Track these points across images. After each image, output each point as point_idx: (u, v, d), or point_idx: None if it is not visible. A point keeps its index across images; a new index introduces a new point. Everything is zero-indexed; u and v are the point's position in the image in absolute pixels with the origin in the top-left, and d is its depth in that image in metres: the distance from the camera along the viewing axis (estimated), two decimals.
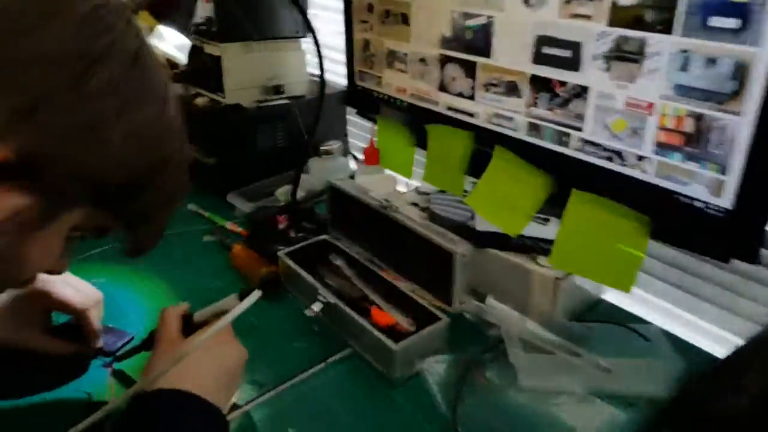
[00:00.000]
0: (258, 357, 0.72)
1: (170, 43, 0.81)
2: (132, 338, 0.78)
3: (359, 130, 1.35)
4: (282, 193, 1.14)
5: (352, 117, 1.31)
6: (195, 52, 1.18)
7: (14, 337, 0.68)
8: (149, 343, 0.65)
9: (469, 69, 0.88)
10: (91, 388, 0.71)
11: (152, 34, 0.87)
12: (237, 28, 1.09)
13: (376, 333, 0.69)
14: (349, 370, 0.72)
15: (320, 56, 0.96)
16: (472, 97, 0.89)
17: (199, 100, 1.18)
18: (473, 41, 0.85)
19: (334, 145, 1.21)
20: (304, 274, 0.81)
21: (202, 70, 1.15)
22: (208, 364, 0.57)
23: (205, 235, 1.05)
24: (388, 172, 1.10)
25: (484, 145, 0.87)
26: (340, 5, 1.09)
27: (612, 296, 0.87)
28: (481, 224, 0.84)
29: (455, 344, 0.74)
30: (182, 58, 0.84)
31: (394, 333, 0.73)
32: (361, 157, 1.13)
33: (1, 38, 0.39)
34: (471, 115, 0.90)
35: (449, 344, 0.74)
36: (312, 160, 1.21)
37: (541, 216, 0.88)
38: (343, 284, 0.82)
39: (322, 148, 1.20)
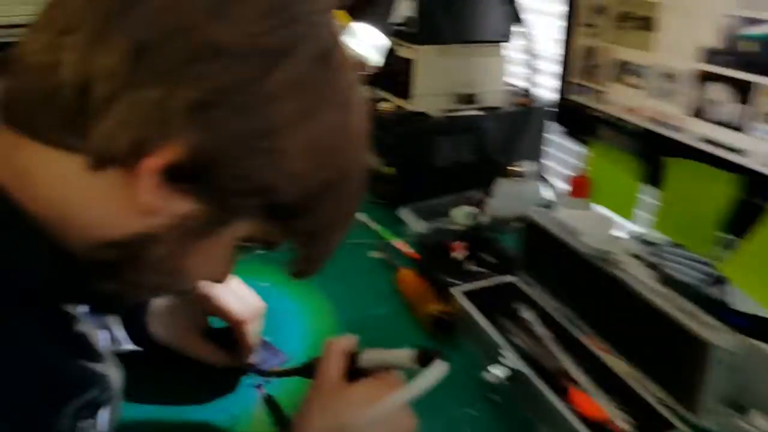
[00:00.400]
0: (421, 415, 0.57)
1: (365, 41, 0.70)
2: (287, 359, 0.68)
3: (560, 153, 1.16)
4: (459, 215, 0.99)
5: (552, 137, 1.13)
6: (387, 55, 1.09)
7: (171, 340, 0.65)
8: (308, 371, 0.57)
9: (742, 91, 0.66)
10: (239, 410, 0.63)
11: (346, 31, 0.78)
12: (437, 29, 0.98)
13: (576, 424, 0.50)
14: None
15: (533, 62, 0.80)
16: (741, 129, 0.66)
17: (385, 105, 1.09)
18: (750, 56, 0.64)
19: (527, 166, 1.04)
20: (484, 323, 0.65)
21: (392, 73, 1.05)
22: None
23: (371, 251, 0.93)
24: (597, 209, 0.90)
25: (756, 195, 0.64)
26: (552, 7, 0.92)
27: None
28: (738, 302, 0.62)
29: None
30: (377, 58, 0.73)
31: (603, 430, 0.54)
32: (562, 185, 0.94)
33: (185, 24, 0.34)
34: (738, 152, 0.67)
35: None
36: (500, 181, 1.05)
37: None
38: (533, 347, 0.65)
39: (511, 168, 1.04)
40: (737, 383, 0.53)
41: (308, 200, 0.41)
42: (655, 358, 0.57)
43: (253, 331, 0.67)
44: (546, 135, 1.14)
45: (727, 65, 0.67)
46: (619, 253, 0.65)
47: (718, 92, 0.69)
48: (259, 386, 0.65)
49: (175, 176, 0.36)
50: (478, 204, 0.87)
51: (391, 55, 1.07)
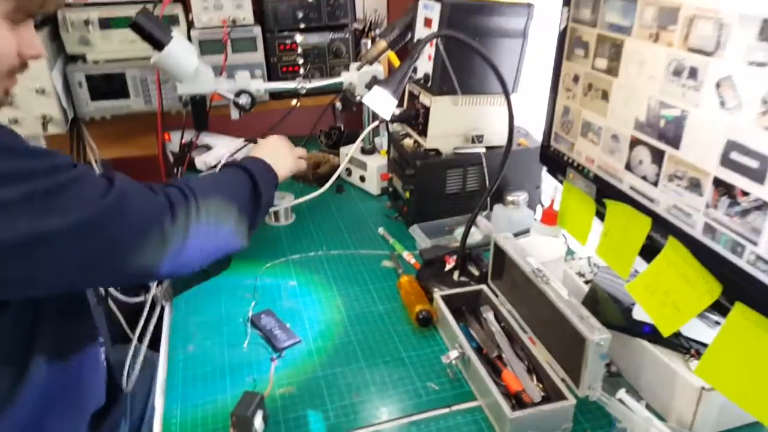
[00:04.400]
0: (394, 387, 0.84)
1: (380, 101, 0.95)
2: (299, 341, 0.95)
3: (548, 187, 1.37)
4: (461, 234, 1.23)
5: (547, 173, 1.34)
6: (411, 98, 1.34)
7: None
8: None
9: (657, 156, 0.86)
10: (257, 375, 0.89)
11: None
12: (449, 84, 1.21)
13: (498, 396, 0.74)
14: (468, 422, 0.79)
15: (511, 118, 1.03)
16: (655, 184, 0.87)
17: (407, 141, 1.34)
18: (665, 130, 0.84)
19: (520, 196, 1.26)
20: (450, 319, 0.90)
21: (415, 114, 1.30)
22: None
23: (384, 260, 1.19)
24: (563, 235, 1.12)
25: (659, 233, 0.85)
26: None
27: None
28: (640, 312, 0.83)
29: (579, 426, 0.76)
30: (387, 115, 0.98)
31: (520, 400, 0.77)
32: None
33: None
34: (651, 200, 0.88)
35: (575, 424, 0.76)
36: (497, 207, 1.27)
37: (714, 319, 0.84)
38: (484, 338, 0.89)
39: (508, 197, 1.26)
40: (624, 365, 0.75)
41: None
42: (562, 348, 0.80)
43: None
44: (542, 171, 1.36)
45: (650, 135, 0.88)
46: (555, 272, 0.88)
47: (643, 154, 0.90)
48: (273, 359, 0.92)
49: None
50: (468, 227, 1.09)
51: (416, 99, 1.32)
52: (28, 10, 0.68)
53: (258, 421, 0.75)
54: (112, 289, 1.18)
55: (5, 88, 0.72)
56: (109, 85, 1.61)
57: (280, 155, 1.15)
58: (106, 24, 1.55)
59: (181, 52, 1.20)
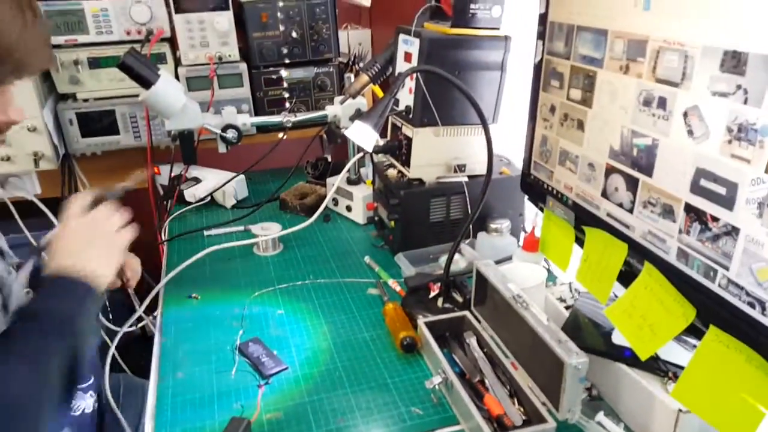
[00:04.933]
0: (378, 412, 0.85)
1: (361, 134, 0.98)
2: (286, 368, 0.96)
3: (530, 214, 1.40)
4: (445, 261, 1.25)
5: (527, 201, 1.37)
6: (394, 130, 1.37)
7: None
8: None
9: (632, 183, 0.89)
10: (244, 401, 0.90)
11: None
12: (429, 116, 1.24)
13: (479, 420, 0.75)
14: None
15: (490, 148, 1.06)
16: (631, 211, 0.90)
17: (390, 172, 1.36)
18: (638, 158, 0.87)
19: (503, 223, 1.28)
20: (434, 345, 0.91)
21: (398, 145, 1.33)
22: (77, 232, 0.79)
23: (370, 288, 1.20)
24: (545, 261, 1.14)
25: (636, 259, 0.88)
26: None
27: None
28: (619, 337, 0.85)
29: None
30: (369, 147, 1.01)
31: (502, 424, 0.78)
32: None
33: None
34: (627, 227, 0.91)
35: None
36: (480, 235, 1.30)
37: (692, 342, 0.85)
38: (467, 364, 0.90)
39: (491, 225, 1.28)
40: (603, 388, 0.76)
41: None
42: (542, 372, 0.81)
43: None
44: (525, 199, 1.38)
45: (624, 163, 0.91)
46: (536, 298, 0.90)
47: (618, 182, 0.93)
48: (260, 385, 0.93)
49: None
50: (451, 256, 1.11)
51: (399, 131, 1.35)
52: None
53: None
54: (102, 318, 1.19)
55: None
56: (99, 122, 1.64)
57: (95, 254, 0.78)
58: (95, 63, 1.58)
59: (168, 89, 1.23)
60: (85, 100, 1.63)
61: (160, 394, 0.92)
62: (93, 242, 0.79)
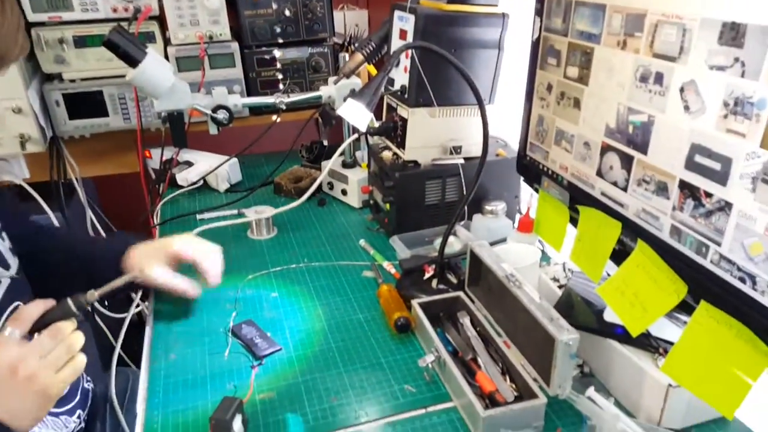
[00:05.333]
0: (372, 390, 0.84)
1: (354, 113, 0.97)
2: (280, 349, 0.95)
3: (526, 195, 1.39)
4: (439, 243, 1.24)
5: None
6: (389, 110, 1.36)
7: (143, 269, 0.97)
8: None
9: (627, 161, 0.89)
10: (237, 382, 0.90)
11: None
12: (425, 96, 1.23)
13: (471, 396, 0.75)
14: (443, 422, 0.80)
15: (486, 128, 1.05)
16: (625, 189, 0.89)
17: (386, 154, 1.35)
18: (634, 136, 0.87)
19: (498, 205, 1.28)
20: (427, 324, 0.91)
21: (393, 127, 1.32)
22: None
23: (365, 270, 1.20)
24: (540, 242, 1.13)
25: (629, 237, 0.87)
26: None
27: (753, 418, 0.80)
28: (611, 314, 0.85)
29: (552, 423, 0.77)
30: (363, 126, 1.00)
31: (494, 400, 0.78)
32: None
33: None
34: (621, 205, 0.90)
35: (548, 422, 0.77)
36: (476, 216, 1.29)
37: (683, 319, 0.85)
38: (460, 342, 0.89)
39: (487, 207, 1.28)
40: (595, 364, 0.76)
41: None
42: (534, 350, 0.81)
43: (208, 265, 1.03)
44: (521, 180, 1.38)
45: (619, 141, 0.90)
46: (530, 277, 0.89)
47: (613, 160, 0.92)
48: (253, 366, 0.92)
49: None
50: (446, 237, 1.11)
51: (394, 112, 1.34)
52: None
53: (237, 425, 0.75)
54: (98, 306, 1.18)
55: None
56: (86, 104, 1.61)
57: (14, 405, 0.67)
58: (81, 42, 1.55)
59: (156, 68, 1.21)
60: (72, 81, 1.60)
61: (152, 376, 0.91)
62: (13, 390, 0.65)
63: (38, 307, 0.73)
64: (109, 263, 1.00)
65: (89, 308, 0.74)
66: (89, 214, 1.84)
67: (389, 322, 0.99)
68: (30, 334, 0.71)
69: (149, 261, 0.99)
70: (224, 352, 0.96)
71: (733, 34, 0.65)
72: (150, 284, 1.00)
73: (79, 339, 0.73)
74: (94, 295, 0.74)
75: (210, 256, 1.05)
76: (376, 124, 1.38)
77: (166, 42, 1.64)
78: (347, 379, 0.89)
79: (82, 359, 0.73)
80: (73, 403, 0.98)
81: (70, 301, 0.73)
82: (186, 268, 1.05)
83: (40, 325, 0.72)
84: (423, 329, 0.93)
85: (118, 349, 0.97)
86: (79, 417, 0.98)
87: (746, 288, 0.67)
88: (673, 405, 0.75)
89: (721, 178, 0.70)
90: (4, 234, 0.93)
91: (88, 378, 1.07)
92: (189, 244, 1.04)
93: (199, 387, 0.89)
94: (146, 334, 1.03)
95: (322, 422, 0.81)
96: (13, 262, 0.93)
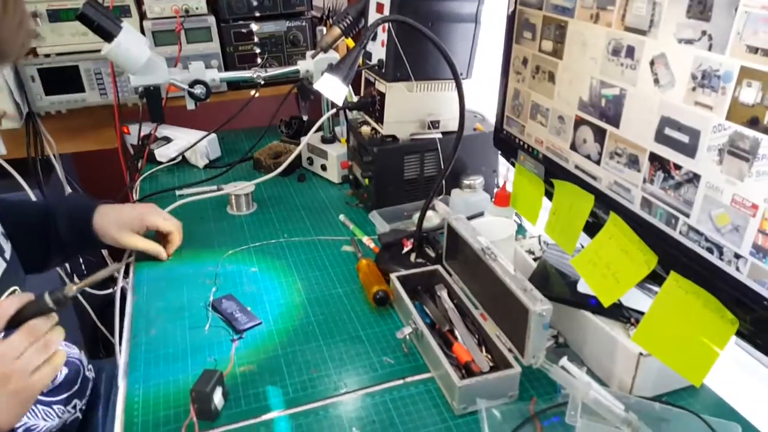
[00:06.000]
0: (351, 362, 0.86)
1: (331, 88, 0.97)
2: (260, 323, 0.96)
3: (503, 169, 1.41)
4: (417, 218, 1.25)
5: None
6: (368, 85, 1.35)
7: (117, 237, 1.07)
8: None
9: (600, 135, 0.90)
10: (218, 356, 0.91)
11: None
12: (402, 71, 1.23)
13: (447, 366, 0.77)
14: (420, 392, 0.82)
15: (462, 103, 1.05)
16: (598, 162, 0.91)
17: (364, 129, 1.35)
18: (606, 109, 0.88)
19: (476, 180, 1.28)
20: (405, 298, 0.92)
21: (371, 101, 1.32)
22: None
23: (344, 245, 1.21)
24: (516, 215, 1.15)
25: (602, 210, 0.89)
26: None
27: (720, 386, 0.83)
28: (584, 285, 0.87)
29: (527, 393, 0.80)
30: (340, 100, 1.00)
31: (470, 370, 0.80)
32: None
33: None
34: (594, 178, 0.92)
35: (523, 391, 0.80)
36: (454, 191, 1.30)
37: (655, 290, 0.87)
38: (437, 315, 0.91)
39: (465, 181, 1.28)
40: (569, 335, 0.78)
41: None
42: (509, 321, 0.83)
43: (176, 238, 1.13)
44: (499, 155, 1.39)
45: (592, 114, 0.92)
46: (506, 250, 0.91)
47: (587, 134, 0.93)
48: (233, 340, 0.93)
49: None
50: (423, 211, 1.12)
51: (372, 86, 1.33)
52: None
53: (218, 397, 0.76)
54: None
55: None
56: (62, 79, 1.59)
57: None
58: (55, 16, 1.52)
59: (131, 42, 1.19)
60: (47, 56, 1.57)
61: (133, 351, 0.92)
62: None
63: (13, 302, 0.69)
64: (77, 222, 1.05)
65: (67, 301, 0.70)
66: (68, 190, 1.82)
67: (368, 295, 1.01)
68: (6, 331, 0.68)
69: (123, 229, 1.06)
70: (204, 327, 0.97)
71: (700, 8, 0.66)
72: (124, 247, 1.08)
73: (57, 336, 0.71)
74: (72, 288, 0.71)
75: (180, 231, 1.16)
76: (355, 99, 1.37)
77: (142, 16, 1.61)
78: (327, 351, 0.90)
79: (60, 357, 0.71)
80: (68, 393, 0.98)
81: (47, 296, 0.70)
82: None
83: (17, 321, 0.69)
84: (401, 302, 0.94)
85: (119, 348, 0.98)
86: (74, 407, 0.99)
87: (713, 258, 0.69)
88: (643, 373, 0.78)
89: (690, 150, 0.71)
90: None
91: (89, 366, 1.07)
92: (163, 217, 1.13)
93: (179, 361, 0.90)
94: (126, 311, 1.03)
95: (302, 394, 0.83)
96: (7, 246, 0.92)
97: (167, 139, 1.65)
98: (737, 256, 0.66)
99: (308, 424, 0.77)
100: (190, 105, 1.33)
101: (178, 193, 1.43)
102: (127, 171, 1.67)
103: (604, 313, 0.85)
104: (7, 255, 0.91)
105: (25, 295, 0.71)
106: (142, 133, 1.60)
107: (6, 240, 0.93)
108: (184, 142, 1.62)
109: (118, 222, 1.06)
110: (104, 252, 1.89)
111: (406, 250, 1.11)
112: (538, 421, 0.75)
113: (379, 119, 1.31)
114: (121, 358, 0.91)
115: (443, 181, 1.15)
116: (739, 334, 0.67)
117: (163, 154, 1.61)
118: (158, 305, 1.03)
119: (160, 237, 1.16)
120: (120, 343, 0.97)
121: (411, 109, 1.30)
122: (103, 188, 1.75)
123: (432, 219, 1.24)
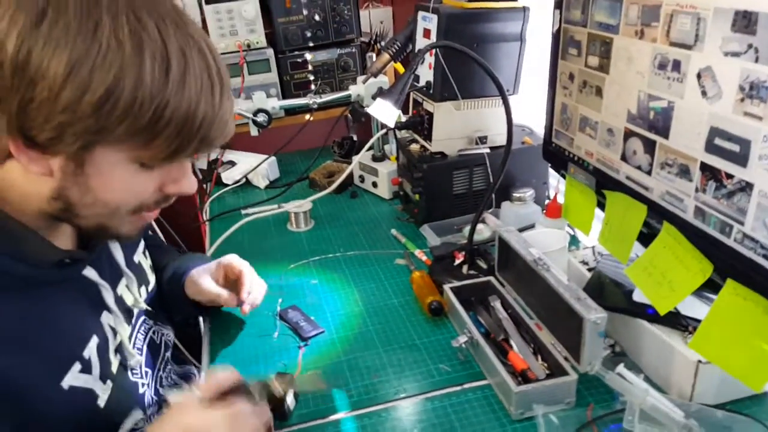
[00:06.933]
0: (409, 369, 0.90)
1: (383, 111, 1.02)
2: (323, 331, 1.02)
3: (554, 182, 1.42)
4: (468, 231, 1.29)
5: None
6: (416, 105, 1.40)
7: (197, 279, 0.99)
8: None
9: (649, 146, 0.91)
10: (287, 360, 0.98)
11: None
12: (449, 91, 1.27)
13: (504, 374, 0.80)
14: (478, 398, 0.85)
15: (509, 118, 1.09)
16: (649, 173, 0.92)
17: (413, 146, 1.40)
18: (655, 121, 0.89)
19: (526, 192, 1.31)
20: (459, 308, 0.95)
21: (420, 121, 1.37)
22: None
23: (397, 258, 1.25)
24: (568, 227, 1.17)
25: (655, 219, 0.90)
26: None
27: None
28: (640, 295, 0.88)
29: (584, 400, 0.81)
30: (391, 123, 1.05)
31: (526, 377, 0.83)
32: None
33: None
34: (646, 188, 0.93)
35: (580, 399, 0.82)
36: (504, 204, 1.33)
37: (712, 298, 0.88)
38: (492, 324, 0.94)
39: (515, 194, 1.31)
40: (626, 344, 0.79)
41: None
42: (564, 330, 0.85)
43: (249, 277, 1.02)
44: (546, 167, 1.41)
45: (641, 126, 0.93)
46: (560, 261, 0.93)
47: (636, 145, 0.95)
48: (300, 347, 1.00)
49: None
50: (474, 224, 1.15)
51: (420, 107, 1.38)
52: (176, 155, 0.59)
53: (290, 398, 0.81)
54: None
55: (135, 223, 0.68)
56: None
57: None
58: None
59: None
60: None
61: (210, 358, 1.00)
62: None
63: (229, 378, 0.68)
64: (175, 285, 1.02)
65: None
66: None
67: (423, 306, 1.05)
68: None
69: (203, 279, 1.00)
70: (273, 334, 1.03)
71: (745, 22, 0.68)
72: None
73: (256, 427, 0.67)
74: (278, 388, 0.74)
75: (256, 279, 1.05)
76: (404, 119, 1.43)
77: None
78: (386, 358, 0.95)
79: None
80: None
81: (259, 386, 0.72)
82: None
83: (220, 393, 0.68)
84: (455, 312, 0.98)
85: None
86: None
87: None
88: (703, 381, 0.78)
89: (741, 159, 0.72)
90: (146, 252, 0.95)
91: None
92: (239, 261, 1.05)
93: (252, 365, 0.97)
94: (202, 324, 1.11)
95: (365, 397, 0.87)
96: (152, 278, 0.95)
97: (232, 163, 1.75)
98: None
99: (372, 426, 0.82)
100: (254, 132, 1.42)
101: (243, 212, 1.52)
102: (197, 193, 1.78)
103: (660, 321, 0.86)
104: (152, 287, 0.94)
105: (236, 373, 0.70)
106: (210, 158, 1.70)
107: (152, 272, 0.95)
108: (247, 165, 1.72)
109: (198, 274, 1.01)
110: None
111: (458, 262, 1.14)
112: (596, 427, 0.77)
113: (428, 137, 1.35)
114: (203, 362, 0.99)
115: (493, 195, 1.18)
116: None
117: (229, 176, 1.72)
118: (230, 317, 1.10)
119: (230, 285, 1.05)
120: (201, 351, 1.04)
121: (458, 126, 1.34)
122: (175, 210, 1.85)
123: (483, 232, 1.27)
